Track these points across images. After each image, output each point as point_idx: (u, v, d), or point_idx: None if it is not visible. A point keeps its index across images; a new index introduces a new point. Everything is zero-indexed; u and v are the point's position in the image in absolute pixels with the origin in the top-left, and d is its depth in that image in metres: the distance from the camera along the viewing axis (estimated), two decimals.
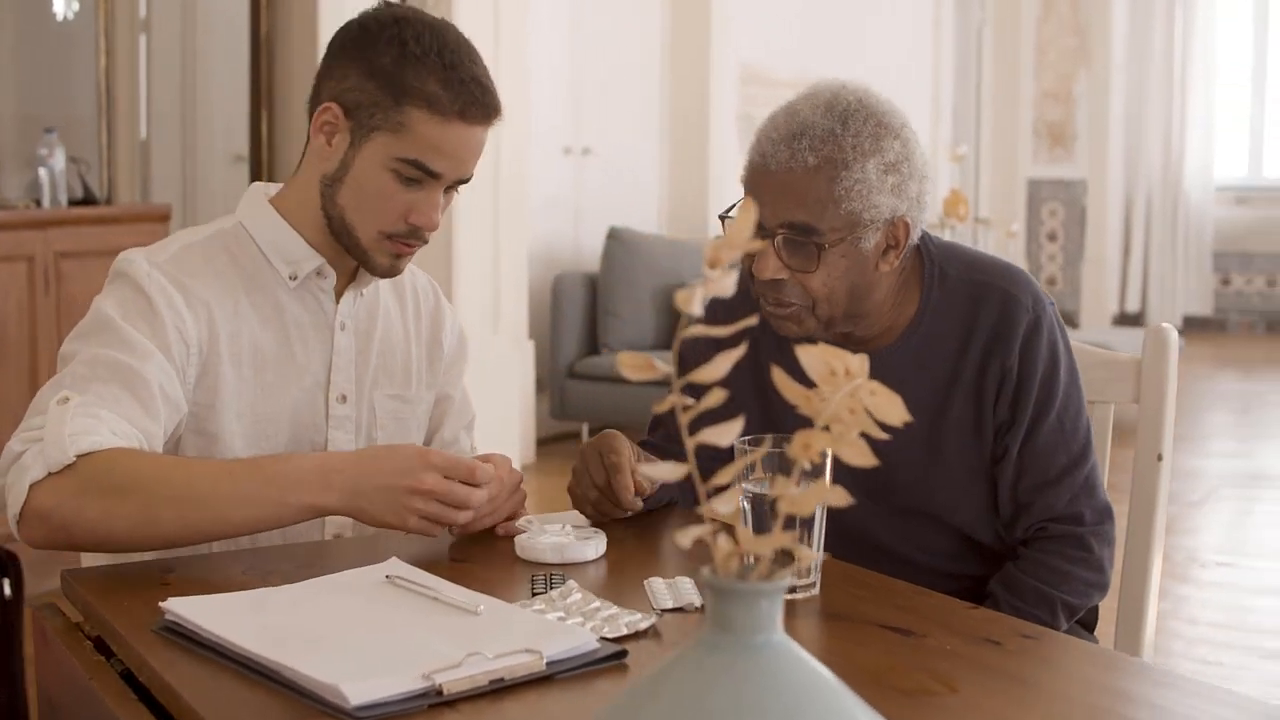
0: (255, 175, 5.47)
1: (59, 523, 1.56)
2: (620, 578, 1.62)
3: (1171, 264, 10.31)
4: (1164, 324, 2.10)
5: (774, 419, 2.03)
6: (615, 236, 6.56)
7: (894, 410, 0.99)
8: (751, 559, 0.91)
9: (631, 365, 0.90)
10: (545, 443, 6.48)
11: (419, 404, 1.99)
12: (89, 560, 1.80)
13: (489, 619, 1.37)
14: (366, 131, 1.77)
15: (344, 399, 1.89)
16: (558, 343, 6.42)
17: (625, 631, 1.37)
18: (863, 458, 0.96)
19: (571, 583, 1.49)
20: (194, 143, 6.13)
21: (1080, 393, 1.93)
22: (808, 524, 1.50)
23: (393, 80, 1.75)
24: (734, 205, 1.93)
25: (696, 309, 0.88)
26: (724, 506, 0.92)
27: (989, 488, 1.92)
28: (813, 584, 1.52)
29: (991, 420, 1.89)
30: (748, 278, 1.92)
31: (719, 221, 1.94)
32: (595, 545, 1.67)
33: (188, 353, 1.75)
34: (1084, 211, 10.56)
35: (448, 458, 1.64)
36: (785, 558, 0.92)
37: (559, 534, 1.68)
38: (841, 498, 0.96)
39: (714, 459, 1.68)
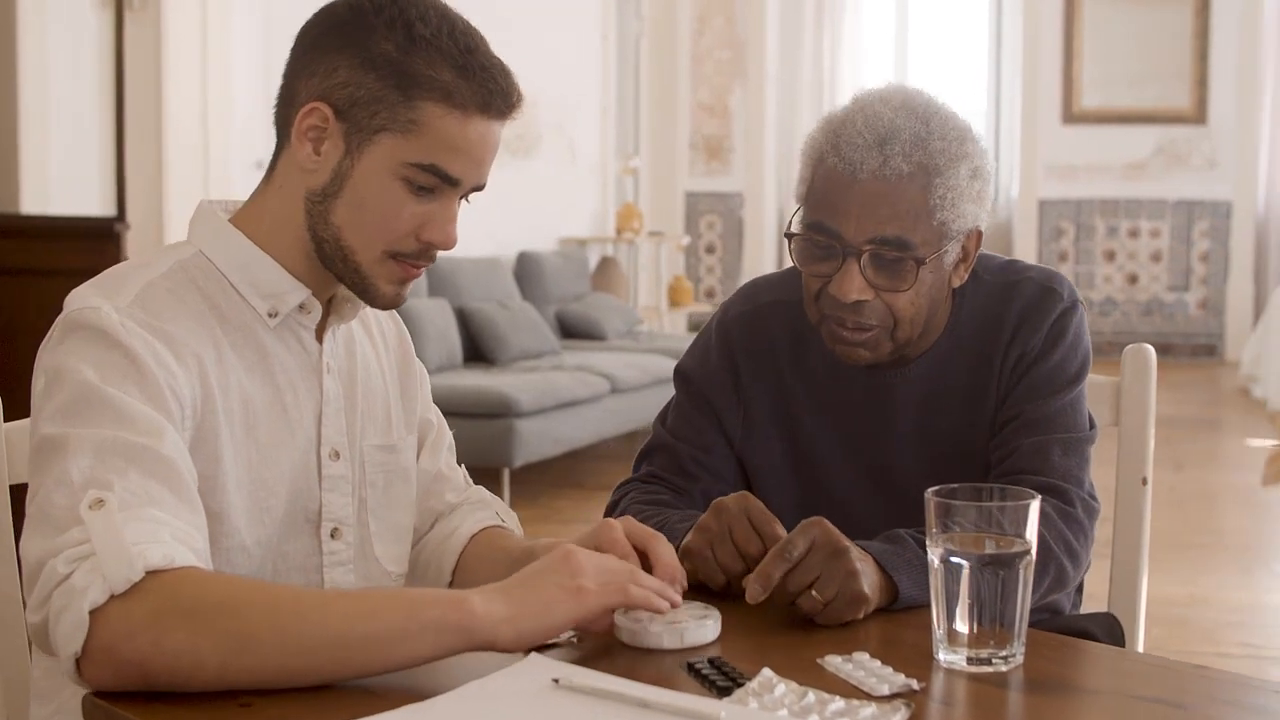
0: None
1: (132, 656, 1.21)
2: (765, 657, 1.38)
3: None
4: (1142, 344, 2.04)
5: (799, 449, 1.84)
6: None
7: None
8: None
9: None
10: None
11: (406, 450, 1.69)
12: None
13: None
14: (368, 134, 1.46)
15: (336, 455, 1.58)
16: None
17: None
18: None
19: (768, 671, 1.25)
20: None
21: (1085, 407, 1.82)
22: (1011, 588, 1.32)
23: (399, 70, 1.45)
24: (792, 218, 1.75)
25: None
26: None
27: None
28: (1016, 653, 1.34)
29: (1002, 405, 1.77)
30: (811, 301, 1.73)
31: (785, 240, 1.76)
32: (714, 624, 1.43)
33: (183, 415, 1.41)
34: (741, 223, 10.76)
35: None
36: None
37: (672, 614, 1.42)
38: None
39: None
